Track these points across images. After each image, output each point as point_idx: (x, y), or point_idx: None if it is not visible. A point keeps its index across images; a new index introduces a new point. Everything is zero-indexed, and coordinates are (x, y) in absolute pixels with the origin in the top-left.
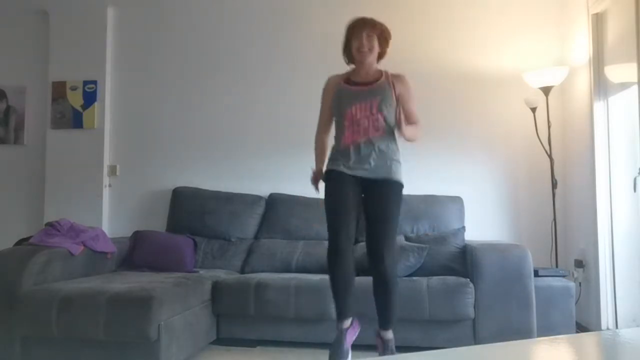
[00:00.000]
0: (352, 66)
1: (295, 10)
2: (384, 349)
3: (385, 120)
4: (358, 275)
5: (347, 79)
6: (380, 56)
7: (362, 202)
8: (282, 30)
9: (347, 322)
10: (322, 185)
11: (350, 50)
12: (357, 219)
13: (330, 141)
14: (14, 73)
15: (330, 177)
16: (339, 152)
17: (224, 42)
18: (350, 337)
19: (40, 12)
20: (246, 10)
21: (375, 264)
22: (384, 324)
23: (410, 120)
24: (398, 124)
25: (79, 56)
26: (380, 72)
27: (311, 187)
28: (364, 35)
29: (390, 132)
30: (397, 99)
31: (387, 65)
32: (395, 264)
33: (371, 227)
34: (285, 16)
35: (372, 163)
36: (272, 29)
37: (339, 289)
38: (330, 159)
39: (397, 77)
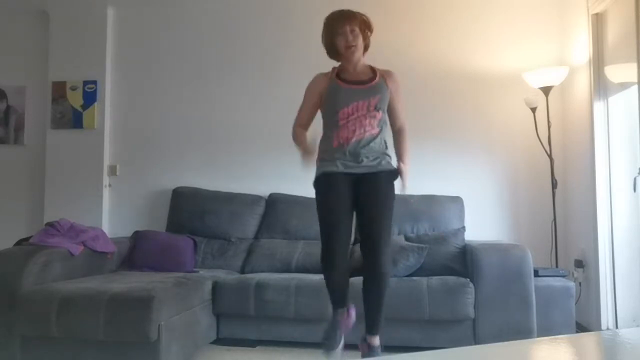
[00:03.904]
0: (335, 61)
1: (296, 10)
2: (369, 356)
3: (381, 118)
4: (351, 276)
5: (337, 75)
6: (365, 48)
7: (355, 198)
8: (282, 31)
9: (342, 312)
10: (312, 173)
11: (333, 45)
12: (351, 221)
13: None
14: (14, 73)
15: (321, 184)
16: (331, 151)
17: (223, 42)
18: (345, 324)
19: (40, 12)
20: (246, 10)
21: (371, 261)
22: (372, 328)
23: (396, 121)
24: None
25: (79, 56)
26: (372, 69)
27: (311, 188)
28: (347, 30)
29: (383, 130)
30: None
31: (388, 65)
32: (390, 261)
33: (365, 222)
34: (286, 16)
35: (366, 159)
36: (272, 29)
37: (335, 295)
38: (321, 161)
39: (388, 74)
